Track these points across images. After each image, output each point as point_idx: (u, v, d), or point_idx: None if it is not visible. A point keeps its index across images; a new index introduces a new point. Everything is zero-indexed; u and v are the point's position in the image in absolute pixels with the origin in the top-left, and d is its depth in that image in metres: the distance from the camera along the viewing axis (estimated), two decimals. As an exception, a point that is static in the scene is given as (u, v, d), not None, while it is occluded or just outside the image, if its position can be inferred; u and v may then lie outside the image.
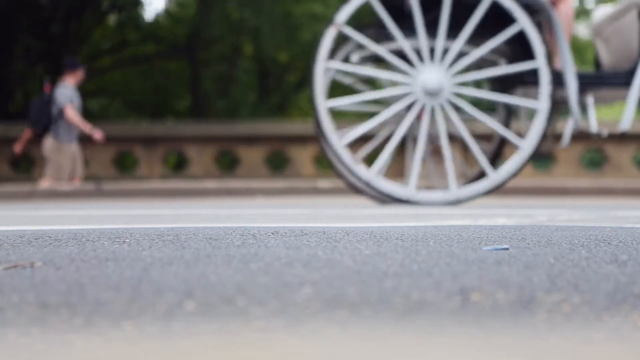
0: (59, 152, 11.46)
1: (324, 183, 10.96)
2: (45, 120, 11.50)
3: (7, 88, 16.25)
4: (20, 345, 1.34)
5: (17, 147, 12.14)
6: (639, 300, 1.59)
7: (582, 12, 19.39)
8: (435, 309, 1.53)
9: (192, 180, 12.53)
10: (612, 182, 11.19)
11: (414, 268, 1.86)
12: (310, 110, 22.57)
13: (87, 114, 20.61)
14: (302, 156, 13.84)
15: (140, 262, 1.98)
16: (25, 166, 14.14)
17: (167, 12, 20.73)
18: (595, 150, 14.32)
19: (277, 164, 14.43)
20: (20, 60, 16.29)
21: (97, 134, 11.64)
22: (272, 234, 2.55)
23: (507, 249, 2.24)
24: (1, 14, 15.69)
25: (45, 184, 11.44)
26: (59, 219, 4.59)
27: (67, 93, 11.40)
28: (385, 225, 3.50)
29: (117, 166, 13.78)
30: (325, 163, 15.08)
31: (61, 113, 11.38)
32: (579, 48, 19.91)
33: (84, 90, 19.63)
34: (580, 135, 13.68)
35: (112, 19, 19.42)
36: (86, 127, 11.52)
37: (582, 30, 24.99)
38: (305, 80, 20.59)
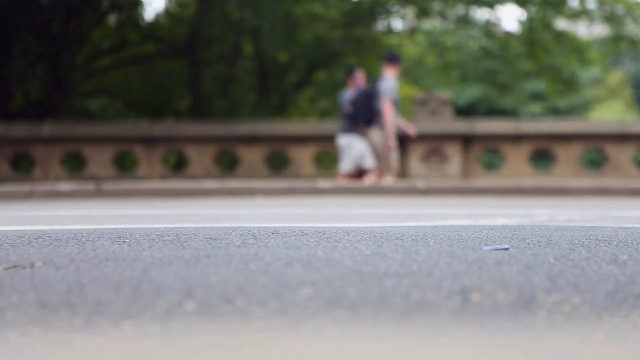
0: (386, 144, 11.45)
1: (324, 183, 10.95)
2: (368, 113, 11.40)
3: (7, 88, 16.24)
4: (20, 345, 1.34)
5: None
6: (639, 300, 1.59)
7: (582, 12, 19.36)
8: (435, 308, 1.53)
9: (192, 180, 12.53)
10: (612, 182, 11.18)
11: (414, 268, 1.85)
12: (310, 110, 22.61)
13: (87, 113, 20.61)
14: (302, 156, 13.84)
15: (140, 262, 1.98)
16: (25, 166, 14.13)
17: (167, 12, 20.72)
18: (595, 150, 14.32)
19: (277, 164, 14.43)
20: (20, 60, 16.28)
21: (411, 130, 11.70)
22: (272, 234, 2.55)
23: (507, 249, 2.23)
24: (1, 14, 15.68)
25: (387, 180, 11.35)
26: (59, 219, 4.59)
27: (389, 86, 11.33)
28: (385, 225, 3.50)
29: (117, 166, 13.77)
30: (325, 163, 15.07)
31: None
32: (579, 48, 19.88)
33: (83, 90, 19.63)
34: (581, 135, 13.68)
35: (112, 19, 19.41)
36: (402, 123, 11.61)
37: (582, 30, 24.98)
38: (305, 80, 20.59)
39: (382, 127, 11.70)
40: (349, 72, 12.88)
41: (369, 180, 11.50)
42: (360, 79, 12.28)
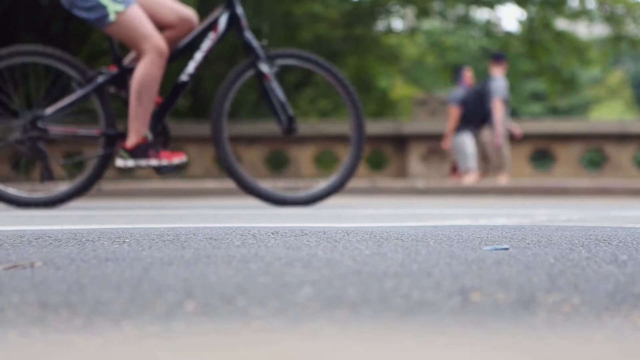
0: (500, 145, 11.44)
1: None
2: (480, 112, 11.38)
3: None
4: (20, 345, 1.34)
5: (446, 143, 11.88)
6: (639, 300, 1.59)
7: (582, 12, 19.36)
8: (435, 309, 1.53)
9: (192, 180, 12.53)
10: (612, 182, 11.18)
11: (414, 268, 1.86)
12: (310, 110, 22.58)
13: (87, 114, 20.56)
14: (302, 156, 13.83)
15: (140, 262, 1.98)
16: (25, 166, 14.10)
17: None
18: (595, 150, 14.32)
19: (277, 164, 14.43)
20: (21, 60, 16.25)
21: (517, 130, 11.71)
22: (272, 234, 2.55)
23: (507, 249, 2.24)
24: (1, 14, 15.68)
25: (503, 180, 11.33)
26: (59, 219, 4.60)
27: (500, 85, 11.30)
28: (385, 225, 3.50)
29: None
30: (325, 163, 15.07)
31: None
32: (579, 48, 19.88)
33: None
34: (581, 135, 13.69)
35: (112, 19, 19.41)
36: (510, 124, 11.62)
37: (582, 30, 24.97)
38: (305, 81, 20.58)
39: (493, 126, 11.67)
40: (457, 71, 12.80)
41: (468, 180, 11.46)
42: (468, 77, 12.23)
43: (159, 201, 8.98)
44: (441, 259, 1.99)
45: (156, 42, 5.51)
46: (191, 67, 5.90)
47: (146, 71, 5.52)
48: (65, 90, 6.01)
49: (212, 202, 6.40)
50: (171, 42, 5.74)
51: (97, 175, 5.88)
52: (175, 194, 10.33)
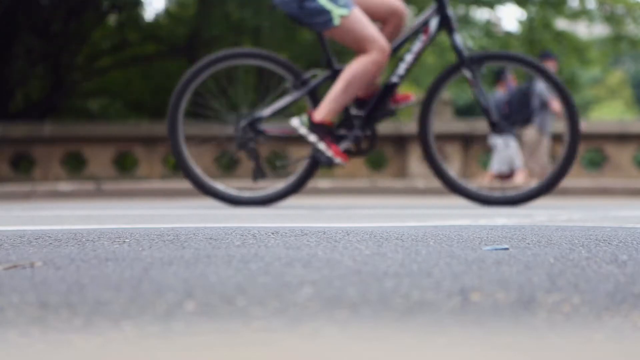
0: (540, 144, 11.39)
1: (324, 183, 10.95)
2: (525, 112, 11.34)
3: (8, 88, 16.23)
4: (20, 345, 1.34)
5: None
6: (639, 300, 1.59)
7: (582, 12, 19.36)
8: (435, 309, 1.53)
9: (192, 180, 12.52)
10: (612, 182, 11.18)
11: (414, 268, 1.86)
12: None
13: (87, 113, 20.59)
14: (302, 156, 13.84)
15: (140, 262, 1.98)
16: (25, 166, 14.11)
17: (167, 12, 20.72)
18: (595, 150, 14.31)
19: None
20: (21, 60, 16.28)
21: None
22: (272, 234, 2.55)
23: (507, 249, 2.23)
24: (1, 14, 15.67)
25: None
26: (59, 219, 4.60)
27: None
28: (385, 225, 3.50)
29: (117, 166, 13.77)
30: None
31: (544, 105, 11.30)
32: (579, 48, 19.88)
33: (83, 91, 19.62)
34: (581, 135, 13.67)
35: (112, 19, 19.41)
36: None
37: (582, 30, 24.97)
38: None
39: (540, 126, 11.62)
40: (499, 73, 12.79)
41: (519, 179, 11.45)
42: (511, 79, 12.21)
43: (159, 201, 8.98)
44: (441, 259, 1.99)
45: (382, 44, 5.53)
46: (402, 68, 5.89)
47: (365, 66, 5.53)
48: (271, 92, 6.10)
49: (212, 202, 6.41)
50: (386, 39, 5.75)
51: (308, 176, 5.91)
52: (175, 194, 10.33)
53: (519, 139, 11.62)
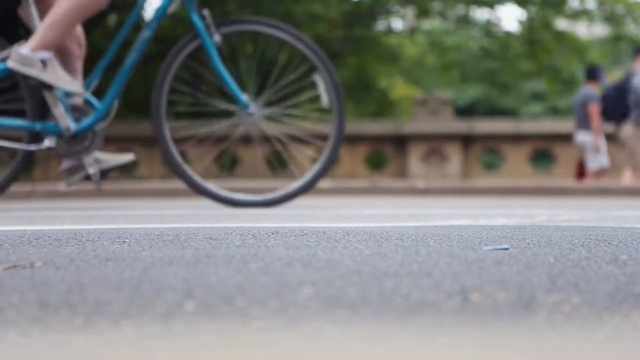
0: (637, 140, 11.26)
1: (324, 183, 10.95)
2: (621, 108, 11.19)
3: (7, 88, 16.22)
4: (20, 345, 1.34)
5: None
6: (639, 300, 1.59)
7: (582, 12, 19.36)
8: (435, 309, 1.53)
9: (192, 180, 12.52)
10: (612, 182, 11.18)
11: (414, 268, 1.86)
12: (311, 110, 22.52)
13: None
14: (303, 156, 13.84)
15: (140, 262, 1.98)
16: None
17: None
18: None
19: (277, 164, 14.42)
20: (21, 60, 16.25)
21: None
22: (272, 234, 2.55)
23: (507, 249, 2.23)
24: (2, 14, 15.68)
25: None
26: (59, 219, 4.60)
27: None
28: (385, 225, 3.50)
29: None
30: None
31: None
32: (580, 48, 19.88)
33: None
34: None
35: (112, 19, 19.40)
36: None
37: (582, 30, 24.97)
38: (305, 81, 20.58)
39: (636, 122, 11.50)
40: (593, 70, 12.61)
41: (627, 179, 11.37)
42: (605, 75, 12.12)
43: (159, 201, 8.98)
44: (441, 259, 1.99)
45: None
46: None
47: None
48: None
49: (212, 202, 6.40)
50: None
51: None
52: (175, 194, 10.33)
53: (616, 135, 11.47)
